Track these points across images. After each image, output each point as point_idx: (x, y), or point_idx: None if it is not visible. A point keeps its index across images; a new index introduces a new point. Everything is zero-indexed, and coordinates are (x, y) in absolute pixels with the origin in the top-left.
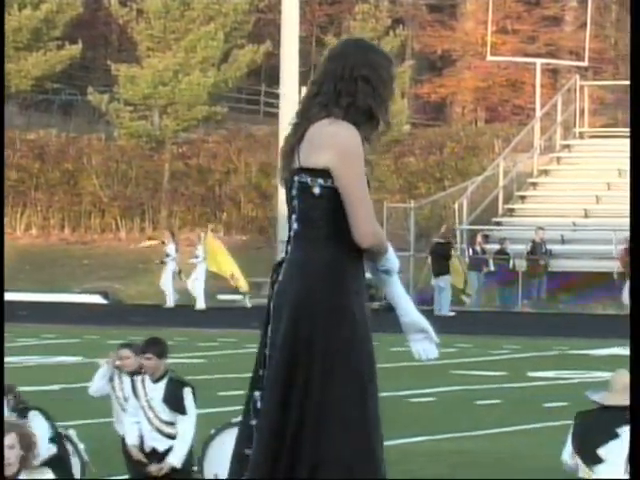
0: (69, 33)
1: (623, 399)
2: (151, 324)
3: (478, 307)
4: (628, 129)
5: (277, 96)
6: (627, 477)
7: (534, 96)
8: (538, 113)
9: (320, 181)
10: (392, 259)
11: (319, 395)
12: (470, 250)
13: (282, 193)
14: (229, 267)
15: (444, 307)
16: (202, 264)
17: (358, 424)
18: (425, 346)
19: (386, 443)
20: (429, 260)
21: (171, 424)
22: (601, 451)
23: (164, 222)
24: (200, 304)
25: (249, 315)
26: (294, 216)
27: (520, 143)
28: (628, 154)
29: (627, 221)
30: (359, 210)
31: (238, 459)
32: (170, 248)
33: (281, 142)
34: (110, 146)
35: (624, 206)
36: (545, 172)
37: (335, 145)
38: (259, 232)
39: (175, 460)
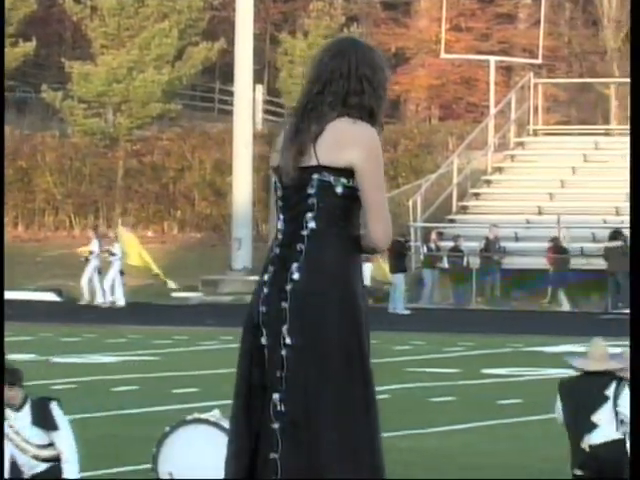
0: (23, 30)
1: (603, 365)
2: (105, 322)
3: (432, 304)
4: (582, 126)
5: (231, 93)
6: (619, 435)
7: (488, 94)
8: (492, 111)
9: (343, 180)
10: None
11: (359, 396)
12: (424, 247)
13: (237, 190)
14: (149, 258)
15: (399, 305)
16: (117, 262)
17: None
18: None
19: None
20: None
21: (46, 446)
22: (595, 417)
23: (118, 219)
24: (120, 301)
25: (203, 313)
26: (310, 214)
27: (474, 141)
28: (581, 151)
29: (581, 218)
30: (381, 212)
31: (266, 465)
32: (94, 244)
33: (236, 139)
34: (64, 143)
35: (578, 203)
36: (499, 170)
37: (361, 144)
38: (213, 230)
39: (73, 477)
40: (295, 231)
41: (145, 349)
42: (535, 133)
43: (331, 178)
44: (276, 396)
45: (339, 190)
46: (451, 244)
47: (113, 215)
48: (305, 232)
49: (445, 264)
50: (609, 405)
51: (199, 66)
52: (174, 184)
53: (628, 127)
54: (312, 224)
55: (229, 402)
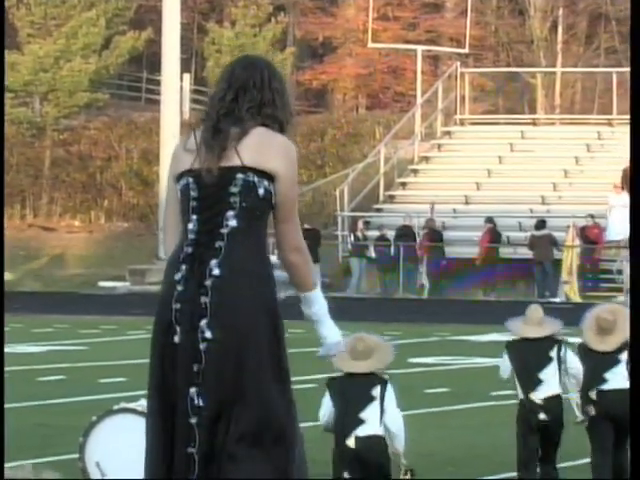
0: None
1: (541, 331)
2: (32, 311)
3: (359, 293)
4: (508, 116)
5: (158, 83)
6: (560, 390)
7: (415, 83)
8: (419, 100)
9: (265, 183)
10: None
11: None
12: (351, 236)
13: (164, 180)
14: None
15: None
16: None
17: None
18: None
19: None
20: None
21: None
22: (540, 374)
23: (45, 209)
24: None
25: (130, 302)
26: (230, 213)
27: (401, 130)
28: (508, 141)
29: (507, 207)
30: (294, 221)
31: (183, 460)
32: None
33: (163, 129)
34: None
35: (504, 192)
36: (426, 159)
37: (286, 154)
38: (140, 219)
39: None
40: (213, 230)
41: (72, 339)
42: (462, 122)
43: (255, 179)
44: (193, 390)
45: (261, 192)
46: (378, 233)
47: (40, 204)
48: (225, 230)
49: (372, 253)
50: (553, 365)
51: (126, 55)
52: (101, 173)
53: (554, 116)
54: (233, 222)
55: None
